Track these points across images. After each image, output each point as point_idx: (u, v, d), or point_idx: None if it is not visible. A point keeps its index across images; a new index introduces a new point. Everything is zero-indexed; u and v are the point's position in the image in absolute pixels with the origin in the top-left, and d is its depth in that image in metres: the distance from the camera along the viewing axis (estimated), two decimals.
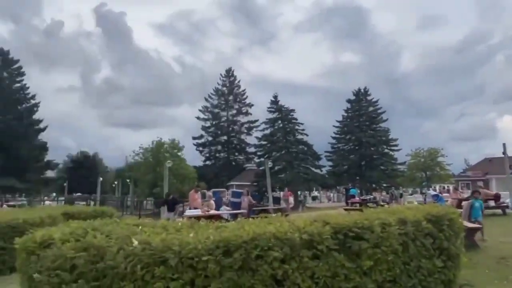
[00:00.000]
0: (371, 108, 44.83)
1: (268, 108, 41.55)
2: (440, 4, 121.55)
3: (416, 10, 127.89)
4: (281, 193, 45.58)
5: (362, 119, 44.81)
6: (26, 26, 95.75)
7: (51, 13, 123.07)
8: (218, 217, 13.01)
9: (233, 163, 55.16)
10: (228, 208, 14.41)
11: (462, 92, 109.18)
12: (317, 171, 41.04)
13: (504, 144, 25.18)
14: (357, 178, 42.44)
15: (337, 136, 45.18)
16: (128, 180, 47.77)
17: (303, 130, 41.02)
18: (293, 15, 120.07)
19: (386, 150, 44.32)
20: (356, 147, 43.97)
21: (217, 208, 14.14)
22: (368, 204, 20.45)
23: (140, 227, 4.09)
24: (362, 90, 45.26)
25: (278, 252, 3.30)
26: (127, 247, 3.25)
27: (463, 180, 52.90)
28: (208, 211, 12.90)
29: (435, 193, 9.60)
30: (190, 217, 12.48)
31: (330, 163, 44.24)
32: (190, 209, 12.98)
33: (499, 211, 17.08)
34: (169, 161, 22.44)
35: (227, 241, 3.21)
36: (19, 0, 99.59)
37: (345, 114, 45.48)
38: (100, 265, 3.18)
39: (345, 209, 21.66)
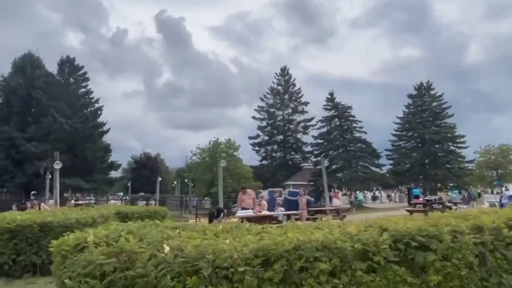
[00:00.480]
0: (434, 103, 42.22)
1: (324, 105, 40.60)
2: None
3: None
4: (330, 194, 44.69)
5: (425, 115, 42.37)
6: (94, 35, 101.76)
7: (116, 21, 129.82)
8: (271, 218, 12.68)
9: (290, 162, 54.64)
10: (282, 208, 13.99)
11: None
12: (377, 170, 39.40)
13: None
14: (421, 177, 40.18)
15: (398, 133, 43.08)
16: (186, 180, 48.96)
17: (361, 127, 39.63)
18: (349, 11, 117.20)
19: (452, 148, 41.55)
20: (419, 145, 41.64)
21: (271, 209, 13.81)
22: (433, 205, 19.18)
23: (178, 231, 3.82)
24: (424, 84, 42.76)
25: (326, 264, 2.85)
26: (158, 253, 2.98)
27: None
28: (260, 211, 12.59)
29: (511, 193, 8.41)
30: (241, 218, 12.27)
31: (391, 162, 42.32)
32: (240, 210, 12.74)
33: None
34: (223, 160, 22.43)
35: (267, 249, 2.82)
36: (87, 11, 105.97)
37: (406, 110, 43.24)
38: (129, 272, 2.93)
39: (408, 211, 20.48)
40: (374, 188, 54.82)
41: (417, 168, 40.62)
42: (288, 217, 13.28)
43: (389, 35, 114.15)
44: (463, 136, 41.00)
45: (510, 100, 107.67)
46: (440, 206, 19.16)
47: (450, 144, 41.44)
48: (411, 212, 20.17)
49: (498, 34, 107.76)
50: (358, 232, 3.30)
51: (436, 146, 40.83)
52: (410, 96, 43.33)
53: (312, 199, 21.73)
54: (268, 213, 12.99)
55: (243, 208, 12.76)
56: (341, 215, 18.03)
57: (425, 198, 20.41)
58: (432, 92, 42.68)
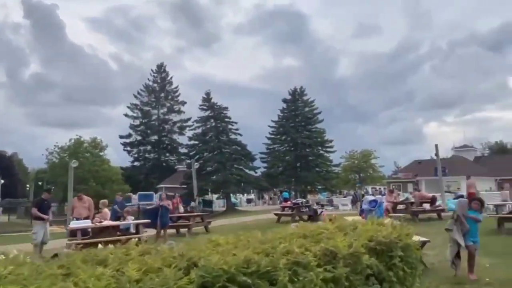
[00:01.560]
0: (307, 109, 43.89)
1: (200, 105, 39.00)
2: (375, 14, 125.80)
3: (352, 18, 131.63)
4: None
5: (298, 120, 43.73)
6: None
7: None
8: (114, 229, 10.43)
9: (164, 164, 52.01)
10: (131, 217, 11.78)
11: (394, 98, 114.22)
12: (251, 172, 39.16)
13: (436, 146, 24.74)
14: (293, 180, 41.17)
15: (272, 137, 43.74)
16: (40, 183, 42.99)
17: (237, 129, 38.97)
18: (234, 17, 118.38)
19: (321, 152, 43.56)
20: (292, 148, 42.76)
21: (116, 218, 11.53)
22: (301, 209, 18.76)
23: None
24: (298, 90, 44.22)
25: None
26: None
27: (394, 182, 53.82)
28: (101, 221, 10.24)
29: (372, 198, 7.68)
30: (75, 230, 9.83)
31: (265, 165, 42.63)
32: (73, 219, 10.25)
33: (434, 215, 16.06)
34: (74, 160, 19.26)
35: None
36: None
37: (281, 114, 44.17)
38: None
39: (276, 214, 19.86)
40: (252, 191, 55.20)
41: (290, 171, 41.54)
42: (137, 228, 11.14)
43: (271, 44, 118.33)
44: (331, 141, 43.29)
45: (372, 112, 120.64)
46: (307, 209, 18.88)
47: (320, 148, 43.36)
48: (279, 215, 19.61)
49: (364, 51, 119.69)
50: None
51: (307, 150, 42.30)
52: (284, 100, 44.31)
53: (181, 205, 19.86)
54: (111, 223, 10.68)
55: (77, 218, 10.30)
56: (206, 221, 16.47)
57: (292, 201, 19.98)
58: (305, 98, 44.28)
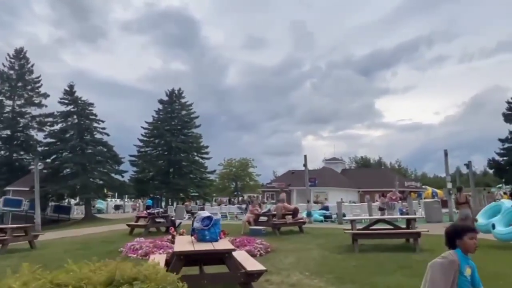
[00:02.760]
0: (184, 112, 41.88)
1: (61, 99, 34.35)
2: (264, 28, 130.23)
3: (243, 29, 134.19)
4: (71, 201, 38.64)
5: (174, 123, 41.47)
6: None
7: None
8: None
9: (17, 163, 44.99)
10: None
11: (276, 111, 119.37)
12: (118, 177, 35.69)
13: (305, 156, 25.04)
14: (164, 186, 38.61)
15: (145, 139, 40.70)
16: None
17: (103, 128, 35.23)
18: (122, 13, 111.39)
19: (196, 158, 41.87)
20: (165, 153, 40.26)
21: None
22: (156, 219, 16.68)
23: None
24: (176, 92, 41.99)
25: None
26: None
27: (269, 191, 54.73)
28: None
29: (207, 214, 6.02)
30: None
31: (135, 169, 39.37)
32: None
33: (296, 228, 15.39)
34: None
35: None
36: None
37: (156, 116, 41.40)
38: None
39: (128, 225, 17.45)
40: (123, 197, 50.93)
41: (162, 177, 38.97)
42: None
43: (160, 45, 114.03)
44: (206, 147, 41.90)
45: (256, 122, 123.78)
46: (164, 220, 16.89)
47: (195, 154, 41.65)
48: (132, 226, 17.23)
49: (251, 63, 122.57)
50: None
51: (182, 154, 40.26)
52: (161, 101, 41.75)
53: None
54: None
55: None
56: (31, 235, 13.39)
57: (148, 211, 17.79)
58: (183, 101, 42.25)
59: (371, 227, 10.48)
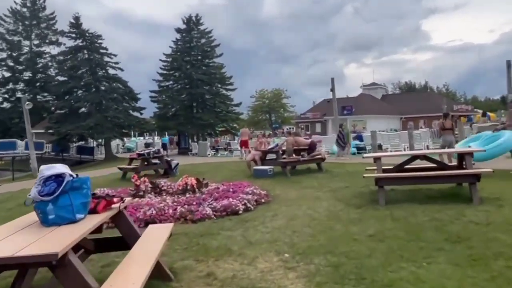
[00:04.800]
0: (203, 40, 38.17)
1: (67, 33, 31.66)
2: None
3: None
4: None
5: (193, 53, 38.04)
6: None
7: None
8: None
9: (40, 105, 44.03)
10: None
11: (316, 40, 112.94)
12: (136, 114, 33.60)
13: (332, 79, 21.28)
14: (187, 122, 36.15)
15: (165, 72, 37.77)
16: None
17: (116, 63, 32.59)
18: None
19: (221, 90, 38.77)
20: (187, 86, 37.37)
21: None
22: (148, 160, 14.25)
23: None
24: (193, 19, 38.01)
25: None
26: None
27: (303, 122, 51.42)
28: None
29: (55, 171, 2.86)
30: None
31: (156, 105, 37.02)
32: None
33: (314, 165, 12.38)
34: None
35: None
36: None
37: (174, 47, 38.02)
38: None
39: (120, 168, 15.17)
40: (147, 134, 49.62)
41: (184, 111, 36.48)
42: None
43: None
44: (230, 77, 38.45)
45: (296, 52, 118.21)
46: (159, 162, 14.39)
47: (219, 85, 38.52)
48: (125, 170, 14.92)
49: None
50: None
51: (205, 87, 37.24)
52: (178, 30, 38.04)
53: None
54: None
55: None
56: None
57: (138, 151, 15.30)
58: (202, 28, 38.36)
59: (405, 167, 7.20)
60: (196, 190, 8.14)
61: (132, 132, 39.58)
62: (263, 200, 8.02)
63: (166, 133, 36.72)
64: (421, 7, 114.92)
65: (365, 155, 7.29)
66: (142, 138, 50.81)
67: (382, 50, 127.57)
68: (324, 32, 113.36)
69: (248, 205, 7.49)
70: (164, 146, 34.01)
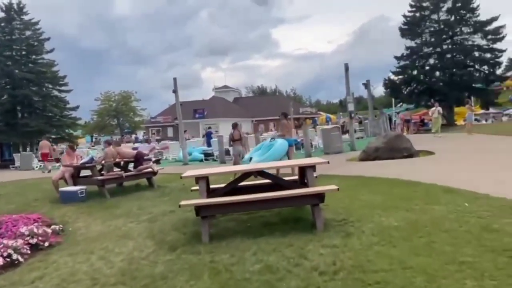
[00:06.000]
0: (28, 32, 32.44)
1: None
2: None
3: None
4: None
5: (17, 47, 32.06)
6: None
7: None
8: None
9: None
10: None
11: (172, 43, 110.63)
12: None
13: (174, 79, 19.35)
14: (9, 129, 30.14)
15: None
16: None
17: None
18: None
19: (53, 92, 33.48)
20: (8, 86, 31.25)
21: None
22: None
23: None
24: (15, 6, 31.98)
25: None
26: None
27: (154, 126, 48.40)
28: None
29: None
30: None
31: None
32: None
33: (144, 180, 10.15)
34: None
35: None
36: None
37: None
38: None
39: None
40: None
41: (5, 117, 30.35)
42: None
43: None
44: (64, 77, 33.46)
45: (152, 54, 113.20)
46: None
47: (50, 86, 33.21)
48: None
49: None
50: None
51: (32, 88, 31.60)
52: None
53: None
54: None
55: None
56: None
57: None
58: (26, 18, 32.54)
59: (237, 187, 5.56)
60: None
61: None
62: (46, 244, 5.55)
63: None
64: (270, 17, 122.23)
65: (183, 174, 5.39)
66: None
67: (236, 55, 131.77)
68: (181, 35, 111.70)
69: (15, 256, 4.99)
70: None
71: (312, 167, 5.08)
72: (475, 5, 30.23)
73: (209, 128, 26.61)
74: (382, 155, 11.51)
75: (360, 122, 27.49)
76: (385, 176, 8.36)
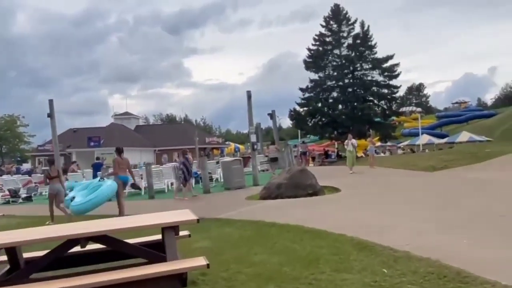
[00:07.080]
0: None
1: None
2: None
3: None
4: None
5: None
6: None
7: None
8: None
9: None
10: None
11: (78, 66, 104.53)
12: None
13: (50, 101, 16.75)
14: None
15: None
16: None
17: None
18: None
19: None
20: None
21: None
22: None
23: None
24: None
25: None
26: None
27: (42, 155, 42.96)
28: None
29: None
30: None
31: None
32: None
33: None
34: None
35: None
36: None
37: None
38: None
39: None
40: None
41: None
42: None
43: None
44: None
45: (54, 78, 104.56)
46: None
47: None
48: None
49: (46, 9, 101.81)
50: None
51: None
52: None
53: None
54: None
55: None
56: None
57: None
58: None
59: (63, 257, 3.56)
60: None
61: None
62: None
63: None
64: (182, 46, 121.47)
65: None
66: None
67: (147, 83, 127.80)
68: (87, 59, 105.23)
69: None
70: None
71: (173, 229, 3.33)
72: (373, 43, 31.82)
73: (97, 158, 23.48)
74: (285, 192, 10.21)
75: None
76: (287, 222, 6.93)
